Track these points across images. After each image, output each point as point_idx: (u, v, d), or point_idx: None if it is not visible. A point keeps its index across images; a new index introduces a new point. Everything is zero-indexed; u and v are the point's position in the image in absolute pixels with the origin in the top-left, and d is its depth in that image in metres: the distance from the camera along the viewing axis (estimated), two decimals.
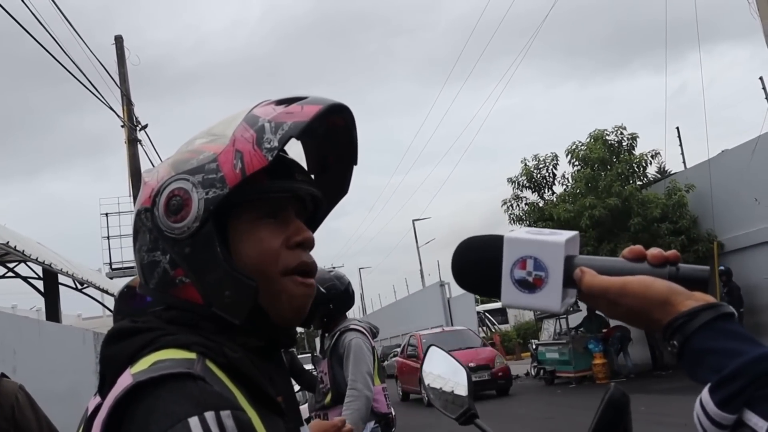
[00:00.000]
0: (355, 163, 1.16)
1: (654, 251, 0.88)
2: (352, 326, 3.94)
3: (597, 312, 17.73)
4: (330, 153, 1.15)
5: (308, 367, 5.39)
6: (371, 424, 3.86)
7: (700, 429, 0.76)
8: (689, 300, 0.81)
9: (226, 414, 0.79)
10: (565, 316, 18.86)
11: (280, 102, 1.03)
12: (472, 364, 16.68)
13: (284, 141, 0.97)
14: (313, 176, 1.13)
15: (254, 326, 0.99)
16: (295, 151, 1.10)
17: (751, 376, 0.71)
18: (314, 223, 1.14)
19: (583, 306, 18.06)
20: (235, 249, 0.99)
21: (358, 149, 1.14)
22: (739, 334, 0.77)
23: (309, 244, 1.05)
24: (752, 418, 0.71)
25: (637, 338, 17.27)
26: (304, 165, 1.14)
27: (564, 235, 0.92)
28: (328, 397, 3.87)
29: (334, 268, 4.18)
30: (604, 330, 17.53)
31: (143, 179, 1.06)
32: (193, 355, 0.88)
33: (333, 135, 1.11)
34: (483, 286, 0.98)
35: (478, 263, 0.96)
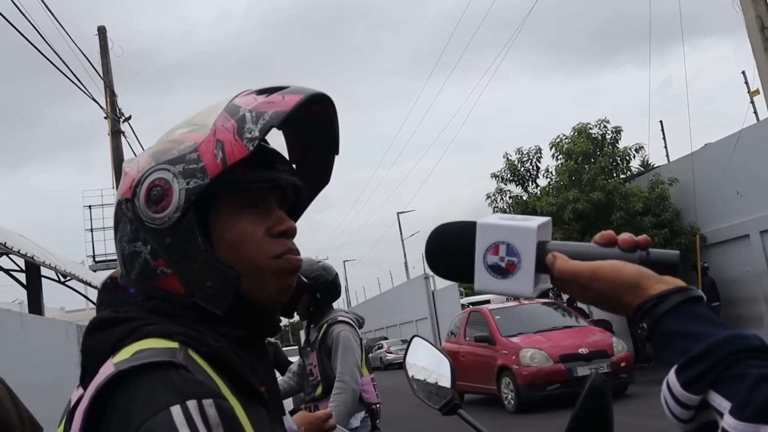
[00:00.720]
0: (337, 153, 1.15)
1: (625, 236, 0.89)
2: (340, 318, 3.90)
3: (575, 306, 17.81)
4: (311, 142, 1.14)
5: (294, 359, 5.38)
6: (361, 415, 3.85)
7: (667, 410, 0.77)
8: (659, 284, 0.82)
9: (208, 402, 0.80)
10: None
11: (261, 91, 1.02)
12: (583, 350, 11.88)
13: (265, 131, 0.96)
14: (294, 166, 1.13)
15: (236, 315, 0.99)
16: (276, 140, 1.09)
17: (717, 357, 0.73)
18: (296, 212, 1.14)
19: (565, 298, 18.16)
20: (217, 239, 0.99)
21: (340, 139, 1.14)
22: (706, 317, 0.78)
23: (291, 233, 1.04)
24: (716, 399, 0.72)
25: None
26: (285, 154, 1.13)
27: (536, 221, 0.92)
28: (319, 389, 3.84)
29: (320, 261, 4.21)
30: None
31: (124, 169, 1.05)
32: (175, 345, 0.88)
33: (314, 124, 1.11)
34: (457, 272, 0.99)
35: (451, 249, 0.97)
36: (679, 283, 0.82)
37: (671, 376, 0.76)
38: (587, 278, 0.87)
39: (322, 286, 3.96)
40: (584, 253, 0.89)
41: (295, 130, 1.13)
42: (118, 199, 1.03)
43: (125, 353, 0.87)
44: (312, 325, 4.05)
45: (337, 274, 4.13)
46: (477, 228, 0.93)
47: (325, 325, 3.89)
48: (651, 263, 0.86)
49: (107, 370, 0.84)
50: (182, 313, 0.97)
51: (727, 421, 0.70)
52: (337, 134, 1.13)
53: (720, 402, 0.72)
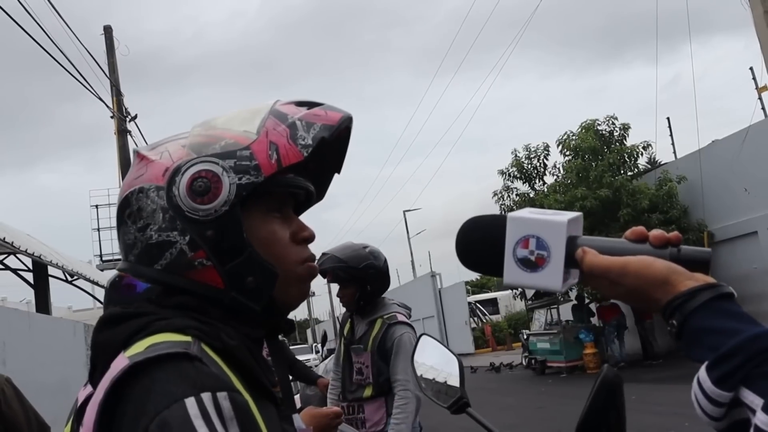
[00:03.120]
0: (339, 172, 1.18)
1: (656, 232, 0.88)
2: (400, 318, 3.65)
3: (586, 302, 17.78)
4: (314, 159, 1.13)
5: (303, 358, 5.39)
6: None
7: (698, 407, 0.76)
8: (689, 280, 0.82)
9: (222, 395, 0.79)
10: (555, 306, 18.92)
11: (300, 103, 1.06)
12: None
13: (317, 140, 1.00)
14: None
15: (264, 314, 1.01)
16: None
17: (748, 354, 0.72)
18: None
19: (571, 295, 18.12)
20: (250, 238, 0.99)
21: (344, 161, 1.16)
22: (737, 314, 0.77)
23: (312, 240, 1.08)
24: (748, 396, 0.71)
25: (629, 328, 17.32)
26: None
27: (567, 215, 0.92)
28: (369, 390, 3.63)
29: (366, 246, 3.72)
30: (592, 318, 17.60)
31: (145, 156, 1.03)
32: (188, 338, 0.88)
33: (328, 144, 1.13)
34: (486, 265, 0.99)
35: (482, 242, 0.97)
36: (710, 279, 0.81)
37: (702, 373, 0.75)
38: (617, 273, 0.86)
39: (373, 277, 3.62)
40: (614, 249, 0.89)
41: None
42: (140, 186, 1.00)
43: (138, 347, 0.86)
44: (352, 316, 3.80)
45: (386, 259, 3.73)
46: (507, 221, 0.93)
47: (380, 322, 3.64)
48: (682, 260, 0.85)
49: (120, 363, 0.84)
50: (208, 310, 0.96)
51: (760, 417, 0.69)
52: (345, 156, 1.16)
53: (752, 399, 0.71)
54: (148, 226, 0.99)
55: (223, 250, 0.97)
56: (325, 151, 1.08)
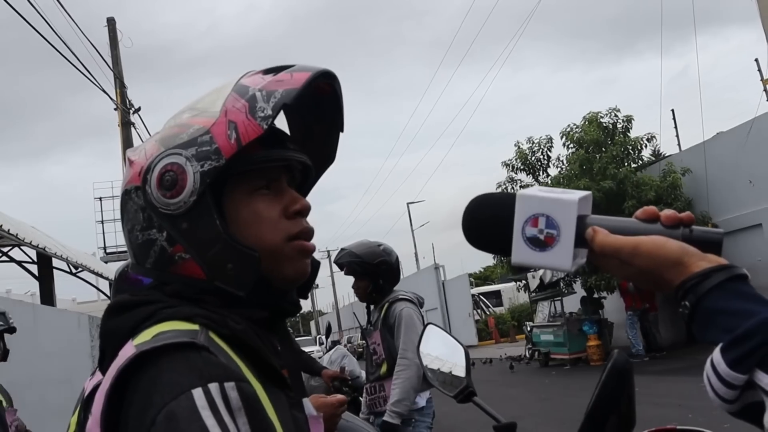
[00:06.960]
0: (342, 130, 1.14)
1: (668, 212, 0.87)
2: (401, 296, 3.93)
3: (595, 295, 17.69)
4: (314, 121, 1.13)
5: (307, 349, 5.40)
6: (427, 395, 3.85)
7: (710, 389, 0.75)
8: (702, 261, 0.80)
9: (230, 386, 0.79)
10: (559, 298, 18.88)
11: (267, 71, 1.02)
12: None
13: (277, 109, 0.96)
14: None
15: (257, 297, 0.99)
16: (278, 121, 1.09)
17: (764, 336, 0.71)
18: (303, 192, 1.13)
19: (577, 288, 18.08)
20: (233, 222, 0.98)
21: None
22: (752, 296, 0.76)
23: (306, 212, 1.04)
24: (764, 378, 0.70)
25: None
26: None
27: (577, 194, 0.91)
28: (384, 368, 3.86)
29: (380, 244, 4.14)
30: (601, 310, 17.54)
31: (129, 158, 1.04)
32: (195, 327, 0.88)
33: (319, 103, 1.10)
34: (494, 244, 0.97)
35: (489, 221, 0.95)
36: (723, 261, 0.80)
37: (716, 354, 0.74)
38: (628, 253, 0.84)
39: (385, 272, 3.95)
40: (625, 228, 0.87)
41: (299, 109, 1.12)
42: (125, 189, 1.02)
43: (145, 335, 0.86)
44: (371, 307, 4.07)
45: (397, 257, 4.09)
46: (516, 199, 0.91)
47: (386, 304, 3.90)
48: (694, 241, 0.84)
49: (128, 351, 0.84)
50: (203, 298, 0.96)
51: None
52: (342, 112, 1.12)
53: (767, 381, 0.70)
54: (134, 227, 1.00)
55: (198, 241, 0.96)
56: (325, 110, 1.07)
